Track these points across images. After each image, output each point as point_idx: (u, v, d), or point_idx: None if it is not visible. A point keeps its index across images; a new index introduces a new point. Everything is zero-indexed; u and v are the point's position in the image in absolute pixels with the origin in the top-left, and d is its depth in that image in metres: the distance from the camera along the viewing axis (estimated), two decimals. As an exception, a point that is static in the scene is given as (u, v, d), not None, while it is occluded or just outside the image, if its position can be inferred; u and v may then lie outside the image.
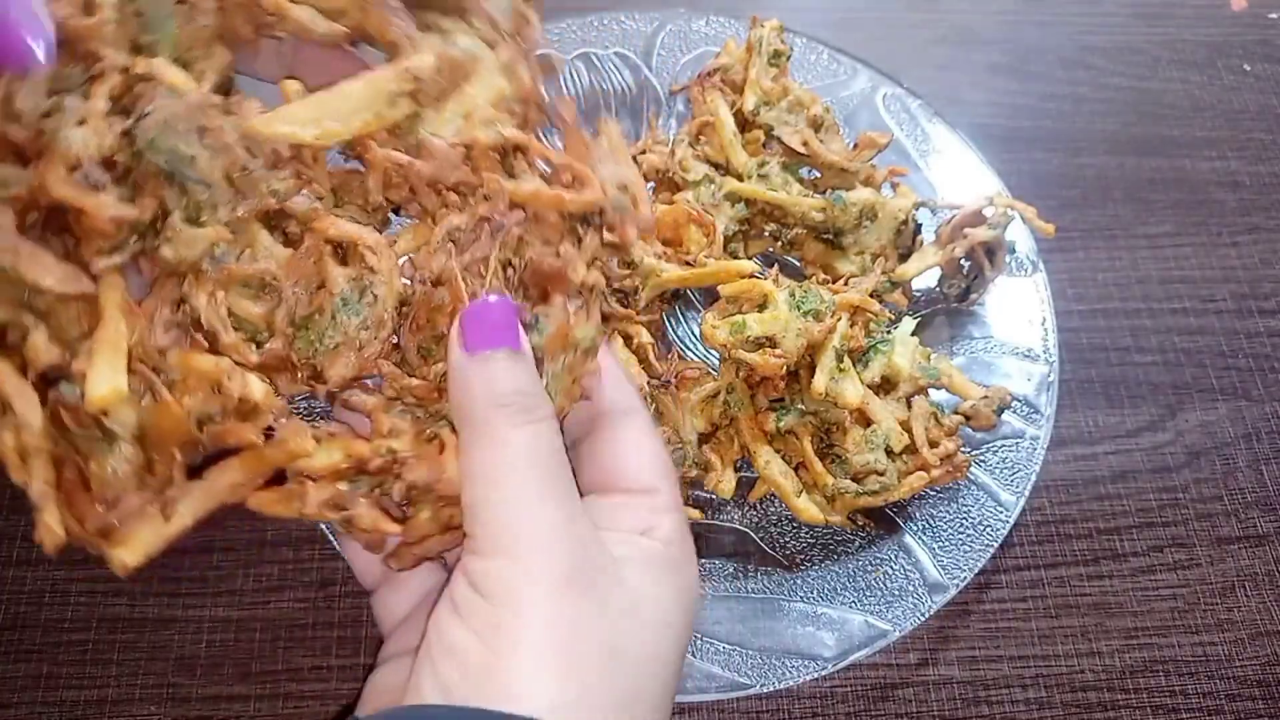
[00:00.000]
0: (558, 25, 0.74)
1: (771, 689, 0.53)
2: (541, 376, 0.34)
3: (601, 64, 0.74)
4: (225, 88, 0.34)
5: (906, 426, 0.57)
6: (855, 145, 0.65)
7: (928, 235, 0.66)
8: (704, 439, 0.58)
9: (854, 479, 0.56)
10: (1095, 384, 0.70)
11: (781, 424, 0.56)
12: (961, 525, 0.58)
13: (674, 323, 0.66)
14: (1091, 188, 0.78)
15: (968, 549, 0.57)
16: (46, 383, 0.30)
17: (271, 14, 0.34)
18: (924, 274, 0.64)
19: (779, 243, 0.65)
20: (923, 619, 0.54)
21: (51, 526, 0.30)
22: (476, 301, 0.33)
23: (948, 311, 0.67)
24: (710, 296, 0.58)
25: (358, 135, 0.33)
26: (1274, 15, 0.89)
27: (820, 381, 0.54)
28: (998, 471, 0.60)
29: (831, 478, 0.56)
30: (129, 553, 0.31)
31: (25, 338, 0.30)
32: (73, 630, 0.58)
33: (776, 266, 0.58)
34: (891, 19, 0.87)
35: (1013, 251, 0.66)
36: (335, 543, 0.51)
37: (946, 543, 0.57)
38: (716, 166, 0.63)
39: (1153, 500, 0.65)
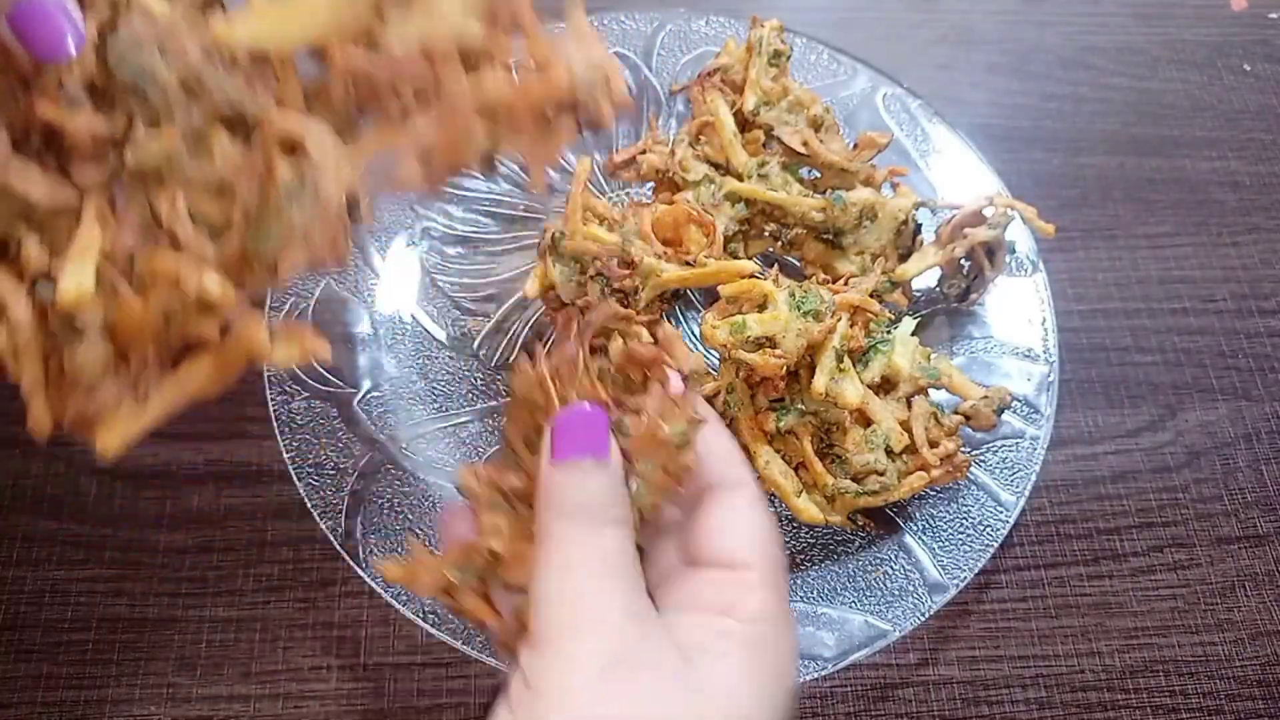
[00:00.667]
0: (557, 25, 0.74)
1: (771, 689, 0.53)
2: (631, 476, 0.35)
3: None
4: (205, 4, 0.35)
5: (906, 426, 0.57)
6: (855, 145, 0.65)
7: (927, 235, 0.66)
8: None
9: (854, 479, 0.56)
10: (1095, 384, 0.70)
11: (781, 424, 0.56)
12: (961, 525, 0.58)
13: (674, 323, 0.66)
14: (1091, 188, 0.79)
15: (968, 549, 0.57)
16: (36, 286, 0.33)
17: None
18: (924, 274, 0.64)
19: (779, 243, 0.65)
20: (923, 619, 0.54)
21: (39, 417, 0.33)
22: (567, 408, 0.34)
23: (948, 311, 0.66)
24: (710, 297, 0.57)
25: (319, 40, 0.34)
26: (1274, 15, 0.89)
27: (820, 382, 0.54)
28: (998, 471, 0.60)
29: (831, 478, 0.56)
30: (109, 438, 0.33)
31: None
32: (73, 630, 0.58)
33: (776, 266, 0.58)
34: (891, 19, 0.87)
35: (1013, 251, 0.66)
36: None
37: (946, 543, 0.57)
38: (716, 166, 0.63)
39: (1153, 500, 0.65)
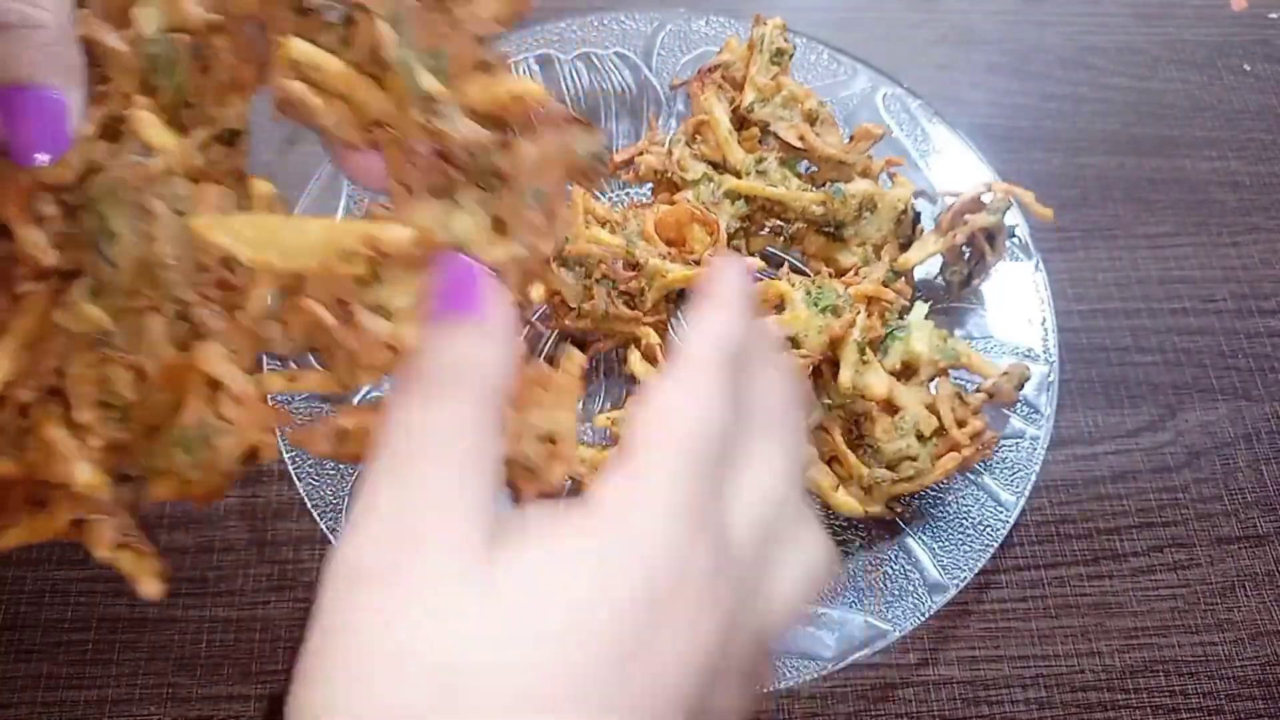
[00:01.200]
0: (557, 25, 0.74)
1: (771, 689, 0.53)
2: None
3: (601, 64, 0.74)
4: (230, 138, 0.33)
5: (933, 409, 0.57)
6: (851, 138, 0.65)
7: (927, 224, 0.66)
8: None
9: (888, 467, 0.56)
10: (1095, 384, 0.70)
11: (810, 421, 0.56)
12: (961, 525, 0.58)
13: (681, 324, 0.66)
14: (1091, 188, 0.79)
15: (968, 549, 0.57)
16: None
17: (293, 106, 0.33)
18: (926, 262, 0.65)
19: (780, 238, 0.65)
20: (923, 619, 0.54)
21: None
22: (446, 266, 0.31)
23: (946, 310, 0.67)
24: None
25: (294, 274, 0.31)
26: (1274, 15, 0.89)
27: (846, 376, 0.54)
28: (998, 471, 0.60)
29: (866, 468, 0.56)
30: None
31: None
32: (73, 630, 0.58)
33: (787, 265, 0.58)
34: (891, 19, 0.87)
35: (1012, 235, 0.66)
36: None
37: (946, 543, 0.57)
38: (715, 165, 0.63)
39: (1153, 500, 0.65)
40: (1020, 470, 0.59)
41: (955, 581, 0.56)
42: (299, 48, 0.34)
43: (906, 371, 0.58)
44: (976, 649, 0.60)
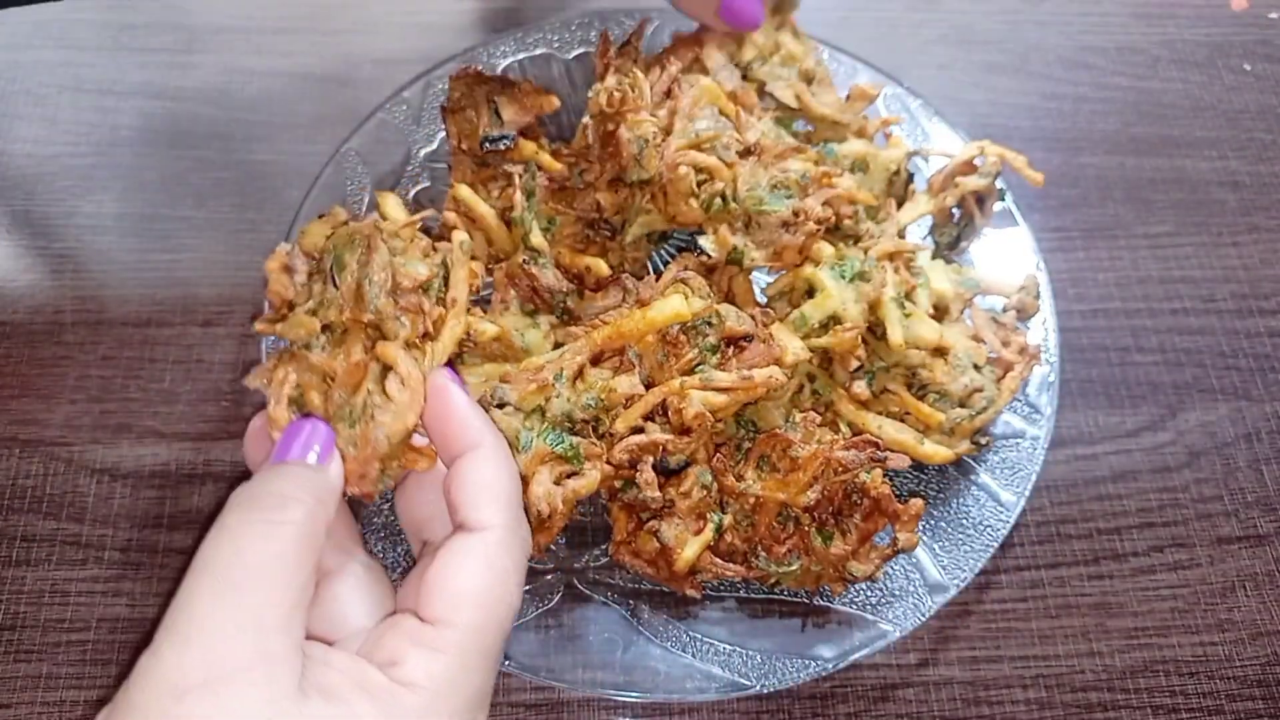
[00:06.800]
0: (558, 25, 0.74)
1: (771, 689, 0.53)
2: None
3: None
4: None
5: (977, 339, 0.59)
6: (848, 97, 0.66)
7: (920, 185, 0.66)
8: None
9: (960, 405, 0.57)
10: (1095, 384, 0.70)
11: (874, 386, 0.57)
12: (961, 525, 0.58)
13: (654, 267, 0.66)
14: (1091, 188, 0.79)
15: (968, 549, 0.57)
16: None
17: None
18: (916, 223, 0.65)
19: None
20: (923, 619, 0.54)
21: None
22: (297, 423, 0.38)
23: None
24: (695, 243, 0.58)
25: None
26: (1274, 15, 0.89)
27: (896, 333, 0.55)
28: (998, 471, 0.60)
29: (941, 414, 0.57)
30: None
31: None
32: (73, 630, 0.58)
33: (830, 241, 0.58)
34: (891, 18, 0.87)
35: (1002, 198, 0.67)
36: None
37: (946, 543, 0.57)
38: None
39: (1153, 500, 0.65)
40: (1020, 470, 0.59)
41: (955, 581, 0.56)
42: (463, 191, 0.58)
43: (938, 313, 0.59)
44: (976, 649, 0.60)
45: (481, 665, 0.33)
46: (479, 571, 0.34)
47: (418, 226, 0.43)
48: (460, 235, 0.44)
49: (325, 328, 0.40)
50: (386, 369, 0.39)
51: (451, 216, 0.58)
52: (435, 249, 0.42)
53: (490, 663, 0.33)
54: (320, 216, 0.43)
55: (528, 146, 0.60)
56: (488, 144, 0.60)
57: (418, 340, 0.40)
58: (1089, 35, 0.87)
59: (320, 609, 0.34)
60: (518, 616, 0.54)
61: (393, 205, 0.55)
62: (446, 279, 0.42)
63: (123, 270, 0.70)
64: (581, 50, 0.74)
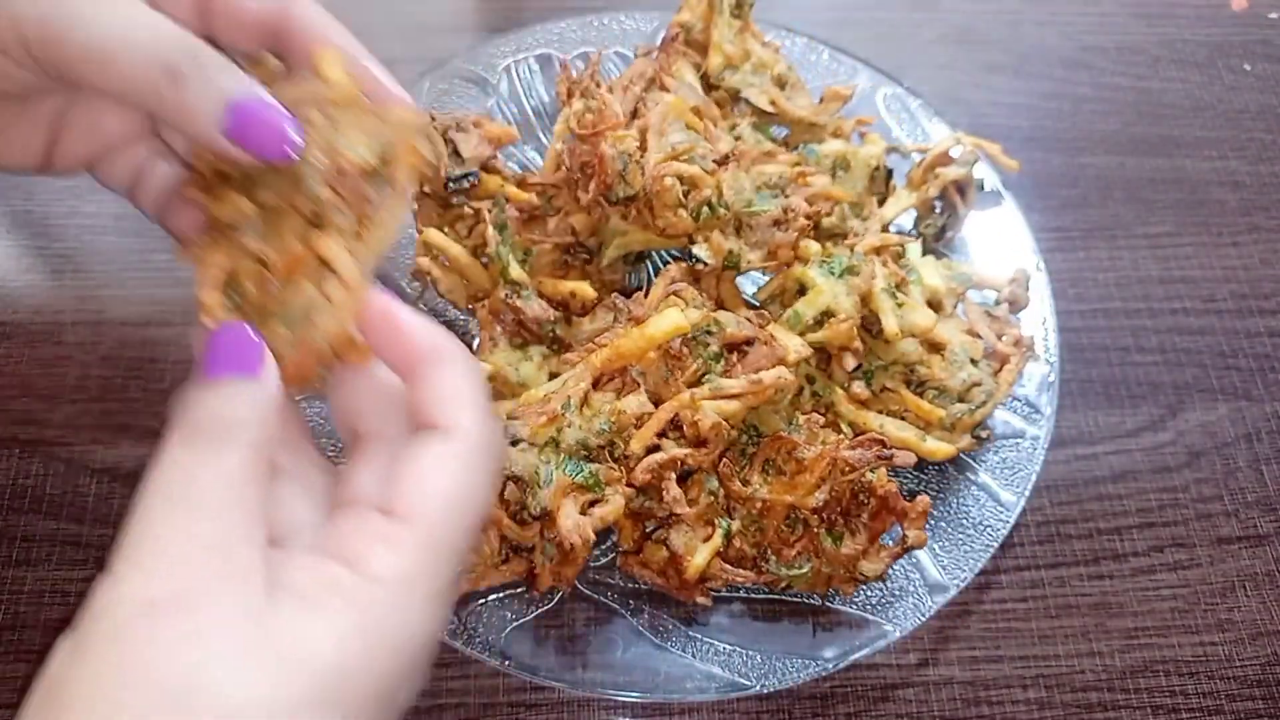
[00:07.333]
0: (557, 25, 0.74)
1: (771, 689, 0.53)
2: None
3: (601, 63, 0.74)
4: None
5: (972, 333, 0.59)
6: (821, 99, 0.66)
7: (900, 181, 0.67)
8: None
9: (959, 400, 0.58)
10: (1095, 384, 0.70)
11: (872, 385, 0.57)
12: (961, 525, 0.58)
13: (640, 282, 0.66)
14: (1091, 188, 0.79)
15: (968, 549, 0.57)
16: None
17: None
18: (900, 217, 0.66)
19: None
20: (923, 619, 0.54)
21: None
22: (222, 329, 0.34)
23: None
24: (678, 255, 0.58)
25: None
26: (1274, 15, 0.89)
27: (890, 323, 0.55)
28: (998, 471, 0.60)
29: (941, 409, 0.57)
30: None
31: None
32: (73, 630, 0.58)
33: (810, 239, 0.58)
34: (891, 19, 0.87)
35: (981, 188, 0.67)
36: None
37: (946, 543, 0.57)
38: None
39: (1153, 500, 0.65)
40: (1020, 470, 0.59)
41: (955, 581, 0.56)
42: (432, 235, 0.58)
43: (932, 309, 0.59)
44: (977, 649, 0.60)
45: (451, 561, 0.33)
46: (455, 472, 0.33)
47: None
48: (407, 113, 0.38)
49: (260, 207, 0.36)
50: (325, 262, 0.36)
51: (424, 262, 0.58)
52: (385, 121, 0.38)
53: (457, 561, 0.33)
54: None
55: (492, 181, 0.59)
56: (452, 184, 0.58)
57: (359, 232, 0.36)
58: (1089, 35, 0.87)
59: (272, 510, 0.33)
60: (518, 617, 0.54)
61: (334, 65, 0.43)
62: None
63: (123, 270, 0.70)
64: (582, 50, 0.74)
